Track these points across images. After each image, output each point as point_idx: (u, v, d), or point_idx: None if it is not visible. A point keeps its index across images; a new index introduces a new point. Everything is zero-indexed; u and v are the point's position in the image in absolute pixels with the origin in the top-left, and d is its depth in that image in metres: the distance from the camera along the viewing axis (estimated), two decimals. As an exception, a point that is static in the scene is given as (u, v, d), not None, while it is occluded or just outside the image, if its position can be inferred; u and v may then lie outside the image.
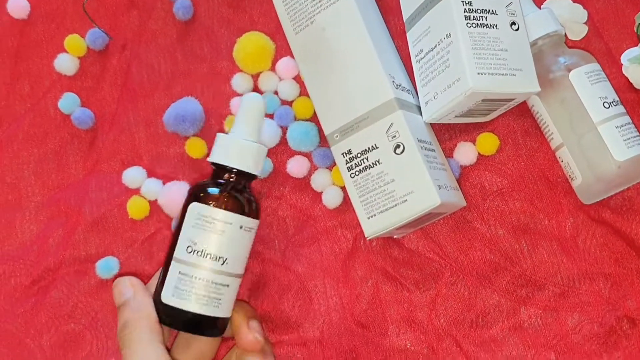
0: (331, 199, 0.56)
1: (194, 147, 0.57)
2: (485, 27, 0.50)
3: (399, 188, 0.50)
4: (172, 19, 0.60)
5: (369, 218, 0.51)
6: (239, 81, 0.58)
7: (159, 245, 0.57)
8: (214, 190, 0.51)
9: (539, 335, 0.53)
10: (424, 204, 0.49)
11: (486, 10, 0.51)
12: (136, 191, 0.58)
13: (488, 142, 0.55)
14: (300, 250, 0.57)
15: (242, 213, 0.50)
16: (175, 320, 0.50)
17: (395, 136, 0.50)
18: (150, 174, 0.58)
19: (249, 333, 0.51)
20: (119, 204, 0.58)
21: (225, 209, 0.50)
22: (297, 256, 0.56)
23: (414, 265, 0.55)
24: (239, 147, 0.51)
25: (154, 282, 0.52)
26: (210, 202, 0.50)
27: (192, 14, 0.60)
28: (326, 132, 0.53)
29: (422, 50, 0.52)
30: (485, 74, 0.49)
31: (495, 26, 0.50)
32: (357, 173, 0.52)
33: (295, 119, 0.57)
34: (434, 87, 0.51)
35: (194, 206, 0.50)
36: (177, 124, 0.57)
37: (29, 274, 0.57)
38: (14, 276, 0.58)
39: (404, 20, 0.54)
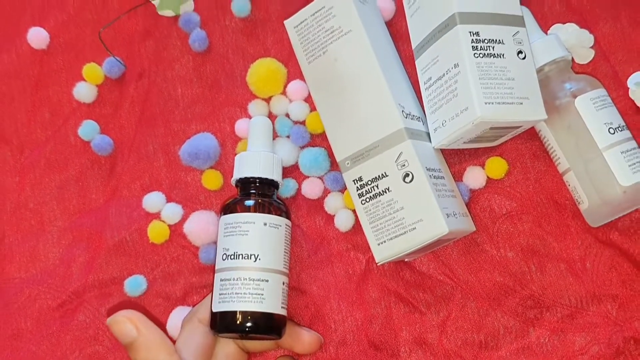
0: (343, 221, 0.58)
1: (210, 179, 0.59)
2: (492, 57, 0.51)
3: (408, 216, 0.51)
4: (188, 48, 0.61)
5: (379, 244, 0.53)
6: (255, 107, 0.60)
7: (180, 268, 0.59)
8: (235, 200, 0.55)
9: (547, 356, 0.54)
10: (432, 232, 0.50)
11: (493, 40, 0.52)
12: (156, 216, 0.60)
13: (497, 166, 0.56)
14: (315, 272, 0.58)
15: (263, 211, 0.53)
16: (228, 326, 0.52)
17: (404, 165, 0.51)
18: (170, 199, 0.60)
19: (308, 332, 0.54)
20: (139, 228, 0.59)
21: (245, 211, 0.54)
22: (312, 279, 0.58)
23: (425, 287, 0.57)
24: (253, 158, 0.55)
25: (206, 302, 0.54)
26: (233, 210, 0.54)
27: (207, 45, 0.61)
28: (338, 159, 0.55)
29: (430, 78, 0.53)
30: (492, 103, 0.50)
31: (502, 55, 0.51)
32: (367, 200, 0.53)
33: (310, 135, 0.59)
34: (443, 115, 0.52)
35: (221, 219, 0.54)
36: (192, 160, 0.58)
37: (54, 297, 0.59)
38: (39, 299, 0.59)
39: (413, 48, 0.55)
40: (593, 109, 0.52)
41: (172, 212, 0.59)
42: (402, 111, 0.53)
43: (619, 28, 0.57)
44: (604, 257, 0.55)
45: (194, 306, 0.56)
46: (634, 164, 0.51)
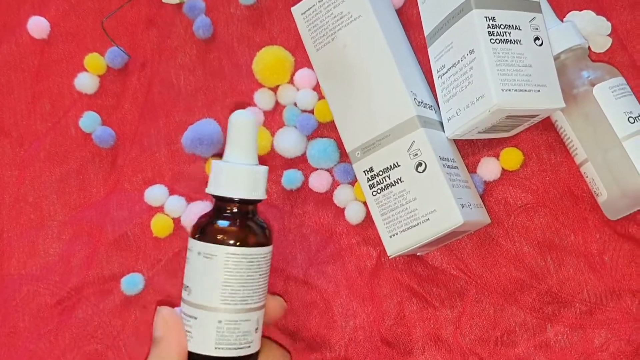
0: (354, 214, 0.56)
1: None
2: (509, 43, 0.50)
3: (421, 207, 0.50)
4: (192, 36, 0.60)
5: (390, 237, 0.51)
6: (261, 97, 0.58)
7: (183, 263, 0.57)
8: (208, 222, 0.48)
9: (565, 353, 0.53)
10: (447, 224, 0.49)
11: (510, 25, 0.50)
12: (158, 209, 0.58)
13: (512, 157, 0.54)
14: (324, 268, 0.56)
15: (200, 239, 0.47)
16: None
17: (417, 154, 0.50)
18: (172, 192, 0.58)
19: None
20: (141, 222, 0.58)
21: (191, 235, 0.48)
22: (321, 274, 0.56)
23: (439, 282, 0.55)
24: (232, 172, 0.48)
25: None
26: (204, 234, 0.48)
27: (212, 32, 0.59)
28: (348, 149, 0.53)
29: (444, 66, 0.52)
30: (509, 90, 0.48)
31: (519, 42, 0.50)
32: (378, 191, 0.51)
33: (318, 124, 0.57)
34: (457, 103, 0.51)
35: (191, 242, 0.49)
36: (195, 146, 0.56)
37: (53, 294, 0.58)
38: (38, 296, 0.58)
39: (425, 36, 0.54)
40: (612, 98, 0.51)
41: (175, 204, 0.57)
42: (415, 99, 0.51)
43: (637, 16, 0.56)
44: (623, 251, 0.53)
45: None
46: None
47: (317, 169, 0.57)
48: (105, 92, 0.61)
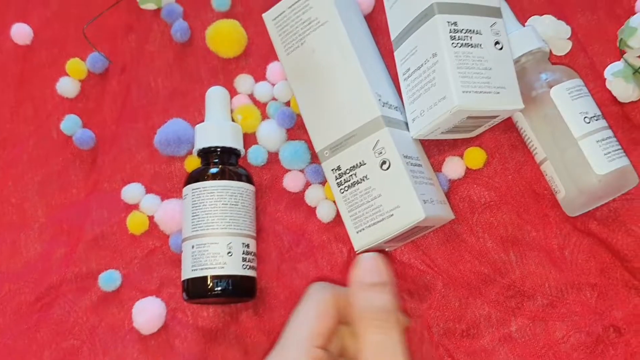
0: (325, 213, 0.58)
1: (193, 165, 0.59)
2: (470, 47, 0.52)
3: (385, 203, 0.51)
4: (169, 41, 0.62)
5: (357, 232, 0.53)
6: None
7: (158, 260, 0.59)
8: (198, 169, 0.57)
9: (528, 345, 0.54)
10: (410, 219, 0.51)
11: (471, 30, 0.52)
12: (136, 207, 0.60)
13: (476, 156, 0.56)
14: (296, 264, 0.58)
15: (223, 178, 0.56)
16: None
17: (381, 153, 0.52)
18: (149, 190, 0.60)
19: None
20: (119, 221, 0.60)
21: (209, 179, 0.56)
22: (294, 270, 0.58)
23: (406, 277, 0.56)
24: (211, 128, 0.57)
25: None
26: (198, 179, 0.56)
27: (189, 36, 0.61)
28: (316, 149, 0.55)
29: (409, 69, 0.54)
30: (470, 92, 0.51)
31: (480, 45, 0.52)
32: (346, 188, 0.53)
33: (296, 115, 0.59)
34: (421, 105, 0.53)
35: (185, 189, 0.57)
36: (165, 148, 0.59)
37: (33, 291, 0.59)
38: (19, 294, 0.59)
39: (392, 40, 0.56)
40: (569, 99, 0.53)
41: (150, 202, 0.59)
42: (379, 99, 0.53)
43: (596, 19, 0.58)
44: (582, 246, 0.55)
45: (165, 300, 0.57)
46: (610, 152, 0.52)
47: (290, 170, 0.59)
48: (86, 96, 0.63)
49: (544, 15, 0.58)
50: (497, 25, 0.53)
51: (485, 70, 0.52)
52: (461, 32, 0.52)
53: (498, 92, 0.51)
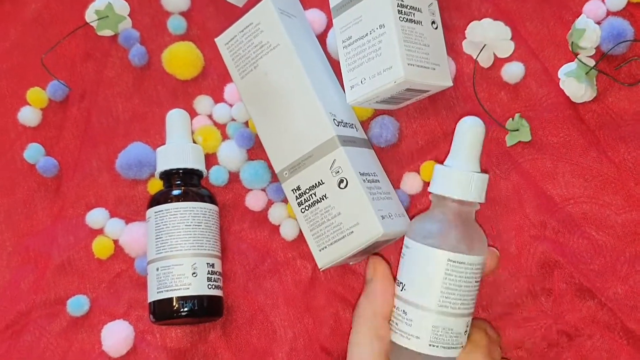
0: (288, 231, 0.59)
1: (156, 187, 0.60)
2: (413, 23, 0.54)
3: (345, 221, 0.53)
4: (128, 65, 0.63)
5: (320, 250, 0.54)
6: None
7: (125, 283, 0.60)
8: (161, 192, 0.58)
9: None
10: (369, 235, 0.52)
11: (414, 7, 0.55)
12: (100, 232, 0.61)
13: (431, 170, 0.57)
14: (262, 282, 0.59)
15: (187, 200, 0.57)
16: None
17: (338, 172, 0.53)
18: (113, 214, 0.61)
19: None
20: (85, 246, 0.61)
21: (171, 201, 0.57)
22: (260, 288, 0.59)
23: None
24: (173, 150, 0.58)
25: None
26: (159, 202, 0.58)
27: (147, 60, 0.62)
28: (276, 170, 0.56)
29: (350, 37, 0.55)
30: (413, 65, 0.53)
31: (420, 23, 0.55)
32: (306, 208, 0.54)
33: (254, 135, 0.60)
34: (362, 73, 0.54)
35: (149, 212, 0.58)
36: (127, 171, 0.60)
37: (3, 319, 0.60)
38: (-12, 322, 0.60)
39: (331, 8, 0.56)
40: None
41: (115, 227, 0.60)
42: (334, 119, 0.54)
43: (545, 26, 0.58)
44: (537, 253, 0.56)
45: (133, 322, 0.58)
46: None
47: (251, 189, 0.60)
48: (48, 124, 0.63)
49: (483, 19, 0.57)
50: (433, 6, 0.56)
51: (424, 47, 0.54)
52: (406, 7, 0.54)
53: (434, 69, 0.54)
